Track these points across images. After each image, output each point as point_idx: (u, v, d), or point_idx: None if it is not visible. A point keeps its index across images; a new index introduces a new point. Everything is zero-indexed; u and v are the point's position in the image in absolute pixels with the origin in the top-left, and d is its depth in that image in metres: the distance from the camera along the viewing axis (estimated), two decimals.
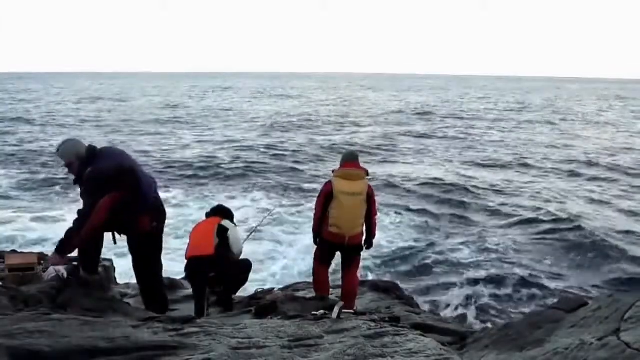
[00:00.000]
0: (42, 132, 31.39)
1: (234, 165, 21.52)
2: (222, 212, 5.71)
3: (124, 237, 4.46)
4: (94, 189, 4.10)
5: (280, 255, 11.39)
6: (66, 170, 4.36)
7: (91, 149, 4.29)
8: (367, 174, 5.62)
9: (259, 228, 7.64)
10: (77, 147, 4.28)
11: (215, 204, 6.32)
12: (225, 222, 5.53)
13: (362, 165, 5.72)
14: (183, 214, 13.99)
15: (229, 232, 5.45)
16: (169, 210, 4.89)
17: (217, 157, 23.41)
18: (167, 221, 4.75)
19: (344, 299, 5.55)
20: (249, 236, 6.68)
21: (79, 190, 4.30)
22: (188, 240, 5.63)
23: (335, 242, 5.53)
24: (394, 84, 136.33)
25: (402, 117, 43.18)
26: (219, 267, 5.38)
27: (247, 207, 15.26)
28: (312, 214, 5.85)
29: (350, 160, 5.63)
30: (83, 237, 4.06)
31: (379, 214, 6.00)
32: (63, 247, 4.10)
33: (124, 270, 6.41)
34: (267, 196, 16.72)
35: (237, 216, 6.73)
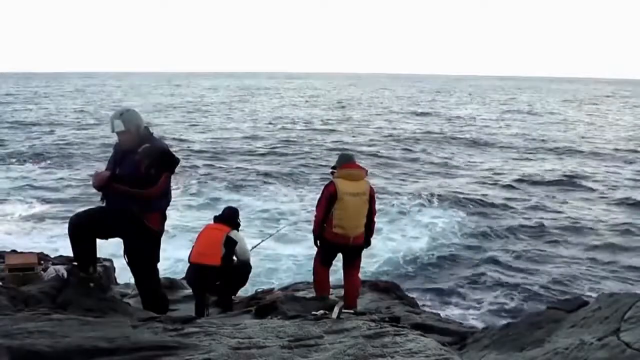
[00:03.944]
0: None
1: None
2: (230, 221, 5.71)
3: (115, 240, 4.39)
4: (164, 163, 4.11)
5: (281, 255, 11.42)
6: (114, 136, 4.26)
7: (148, 128, 4.29)
8: (367, 174, 5.61)
9: (267, 240, 7.70)
10: (139, 119, 4.23)
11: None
12: (234, 234, 5.54)
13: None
14: None
15: (237, 246, 5.49)
16: None
17: None
18: None
19: (346, 300, 5.54)
20: (254, 247, 6.69)
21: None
22: (194, 243, 5.66)
23: (339, 243, 5.48)
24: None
25: None
26: (223, 276, 5.46)
27: None
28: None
29: (349, 160, 5.60)
30: (142, 195, 4.02)
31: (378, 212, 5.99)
32: (120, 182, 4.02)
33: (124, 270, 6.41)
34: None
35: None
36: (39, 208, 15.00)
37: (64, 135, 30.35)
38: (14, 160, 22.58)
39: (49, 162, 22.13)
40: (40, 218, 14.06)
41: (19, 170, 20.52)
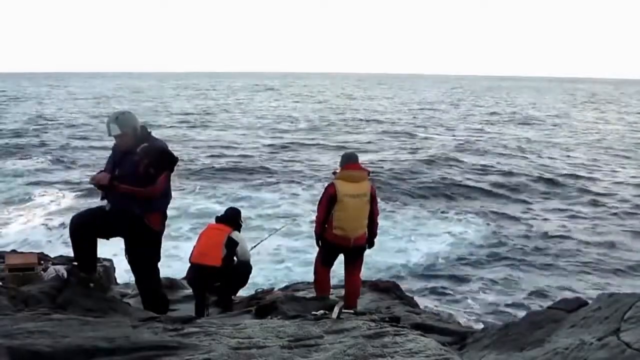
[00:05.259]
0: None
1: None
2: (232, 221, 5.71)
3: (118, 239, 4.40)
4: (163, 162, 4.11)
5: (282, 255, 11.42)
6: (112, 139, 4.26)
7: (145, 127, 4.30)
8: (369, 175, 5.59)
9: (266, 240, 7.72)
10: (136, 120, 4.24)
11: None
12: (235, 235, 5.54)
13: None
14: None
15: (238, 247, 5.50)
16: None
17: None
18: None
19: (346, 300, 5.53)
20: (254, 246, 6.70)
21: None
22: (195, 243, 5.66)
23: (339, 244, 5.47)
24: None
25: None
26: (223, 277, 5.46)
27: None
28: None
29: (351, 161, 5.57)
30: (142, 194, 4.04)
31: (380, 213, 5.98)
32: (120, 182, 4.03)
33: (124, 271, 6.41)
34: None
35: None
36: (50, 207, 15.19)
37: (71, 133, 30.66)
38: (20, 156, 22.98)
39: (55, 159, 22.42)
40: (50, 215, 14.21)
41: (28, 167, 20.81)
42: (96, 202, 4.35)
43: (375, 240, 5.77)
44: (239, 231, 5.71)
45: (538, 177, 19.91)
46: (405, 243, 12.55)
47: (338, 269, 5.89)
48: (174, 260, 9.41)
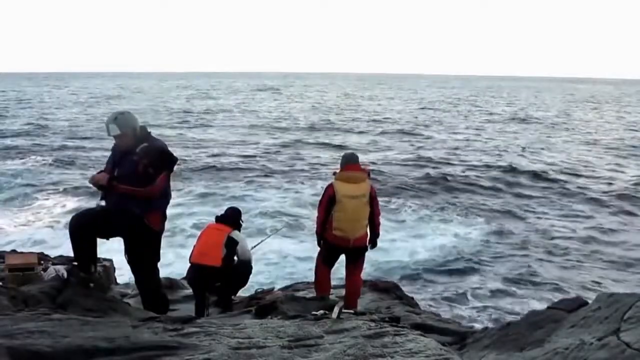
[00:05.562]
0: None
1: None
2: (232, 221, 5.71)
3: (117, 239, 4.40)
4: (163, 162, 4.14)
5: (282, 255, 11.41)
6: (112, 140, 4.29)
7: (145, 127, 4.31)
8: (369, 176, 5.59)
9: (266, 239, 7.74)
10: (135, 121, 4.25)
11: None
12: (235, 234, 5.54)
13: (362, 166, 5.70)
14: None
15: (238, 247, 5.50)
16: None
17: None
18: None
19: (347, 300, 5.53)
20: (255, 246, 6.70)
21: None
22: (195, 243, 5.66)
23: (339, 245, 5.48)
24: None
25: None
26: (223, 277, 5.46)
27: None
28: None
29: (351, 162, 5.57)
30: (142, 194, 4.06)
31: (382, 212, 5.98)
32: (120, 182, 4.06)
33: (124, 270, 6.42)
34: None
35: None
36: (56, 208, 15.24)
37: (71, 134, 30.70)
38: (21, 156, 23.03)
39: (56, 159, 22.46)
40: (51, 215, 14.26)
41: (29, 168, 20.86)
42: (97, 202, 4.35)
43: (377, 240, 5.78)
44: (239, 231, 5.71)
45: (538, 176, 19.91)
46: (405, 242, 12.55)
47: (338, 269, 5.89)
48: (174, 260, 9.42)
